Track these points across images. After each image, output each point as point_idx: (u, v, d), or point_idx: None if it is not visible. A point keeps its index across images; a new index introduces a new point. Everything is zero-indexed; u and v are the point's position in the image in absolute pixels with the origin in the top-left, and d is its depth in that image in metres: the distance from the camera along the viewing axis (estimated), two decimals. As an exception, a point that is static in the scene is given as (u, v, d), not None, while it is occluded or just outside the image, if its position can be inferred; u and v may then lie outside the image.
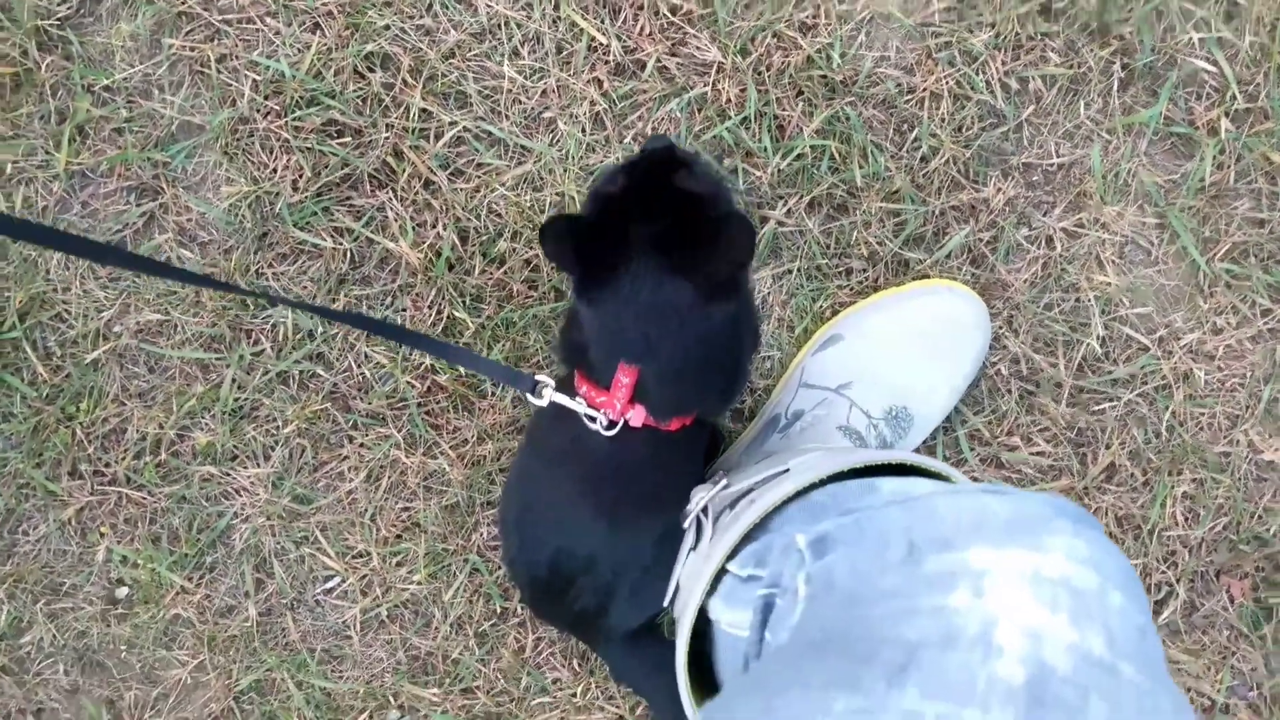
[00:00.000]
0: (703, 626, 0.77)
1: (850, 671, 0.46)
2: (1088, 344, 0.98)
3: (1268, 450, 0.98)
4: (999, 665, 0.42)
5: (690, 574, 0.81)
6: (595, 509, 0.82)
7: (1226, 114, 0.96)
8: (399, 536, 1.02)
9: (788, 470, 0.79)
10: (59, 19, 0.98)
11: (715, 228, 0.71)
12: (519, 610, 1.02)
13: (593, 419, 0.78)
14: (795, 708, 0.47)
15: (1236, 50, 0.96)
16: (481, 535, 1.02)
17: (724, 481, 0.85)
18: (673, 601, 0.85)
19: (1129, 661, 0.44)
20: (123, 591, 1.04)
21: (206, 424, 1.01)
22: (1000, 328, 0.98)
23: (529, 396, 0.81)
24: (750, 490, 0.82)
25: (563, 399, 0.79)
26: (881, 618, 0.48)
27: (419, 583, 1.02)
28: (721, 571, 0.76)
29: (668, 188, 0.74)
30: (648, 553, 0.85)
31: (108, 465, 1.02)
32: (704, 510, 0.84)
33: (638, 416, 0.78)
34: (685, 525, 0.85)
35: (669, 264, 0.71)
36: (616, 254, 0.72)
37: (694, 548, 0.82)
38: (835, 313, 0.99)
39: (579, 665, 1.02)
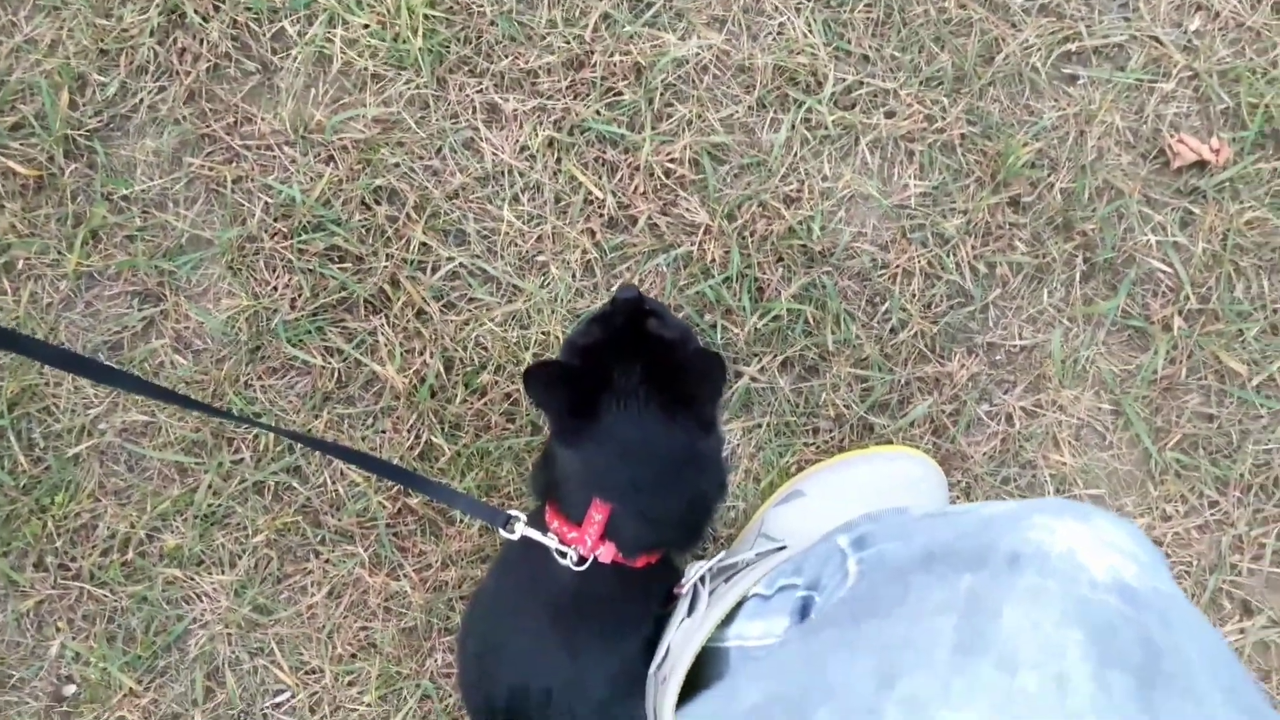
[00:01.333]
0: (688, 686, 0.79)
1: (966, 562, 0.47)
2: (1042, 520, 1.01)
3: (1212, 640, 1.00)
4: (1091, 572, 0.45)
5: (683, 639, 0.82)
6: (558, 642, 0.84)
7: (1180, 313, 1.02)
8: (354, 655, 1.02)
9: (784, 547, 0.82)
10: (88, 130, 1.04)
11: (689, 364, 0.76)
12: (466, 741, 1.02)
13: (563, 554, 0.80)
14: (920, 585, 0.46)
15: (1191, 255, 1.02)
16: (436, 661, 1.02)
17: (721, 555, 0.87)
18: (660, 666, 0.85)
19: (1187, 602, 0.47)
20: (70, 689, 1.03)
21: (177, 527, 1.03)
22: (957, 497, 1.01)
23: (501, 531, 0.83)
24: (748, 564, 0.84)
25: (534, 534, 0.82)
26: (970, 545, 0.49)
27: (369, 704, 1.02)
28: (736, 606, 0.79)
29: (641, 334, 0.78)
30: (602, 688, 0.85)
31: (74, 560, 1.03)
32: (701, 580, 0.85)
33: (607, 553, 0.80)
34: (680, 593, 0.86)
35: (648, 405, 0.75)
36: (596, 398, 0.76)
37: (688, 615, 0.84)
38: (800, 469, 1.02)
39: (520, 803, 1.01)
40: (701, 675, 0.83)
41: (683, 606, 0.86)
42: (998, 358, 1.03)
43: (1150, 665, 0.40)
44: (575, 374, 0.78)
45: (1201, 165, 1.03)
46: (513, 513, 0.84)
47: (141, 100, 1.04)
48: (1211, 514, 1.02)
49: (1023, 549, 0.47)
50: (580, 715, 0.85)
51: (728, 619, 0.81)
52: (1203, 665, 0.41)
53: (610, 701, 0.85)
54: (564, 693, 0.84)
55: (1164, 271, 1.02)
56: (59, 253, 1.03)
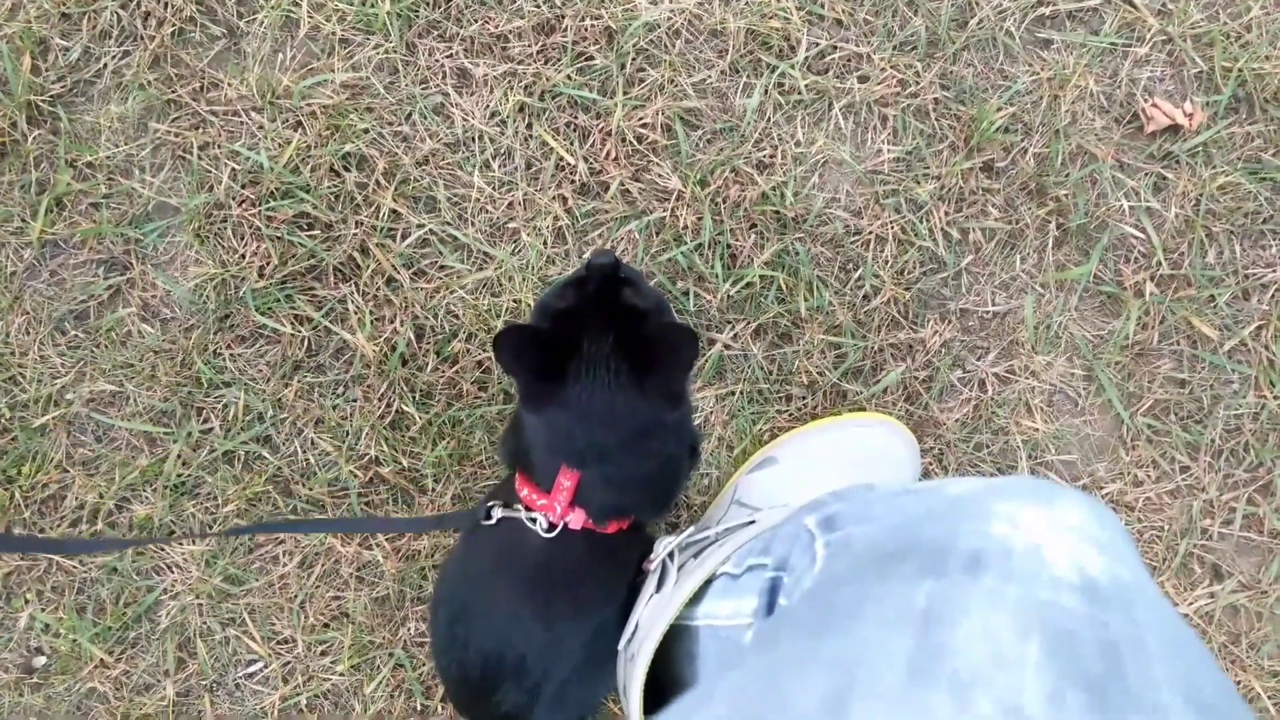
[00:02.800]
0: (659, 662, 0.78)
1: (924, 566, 0.46)
2: (1014, 486, 1.01)
3: (1182, 604, 1.01)
4: (1054, 569, 0.44)
5: (651, 616, 0.82)
6: (532, 611, 0.83)
7: (1152, 278, 1.02)
8: (326, 625, 1.02)
9: (753, 521, 0.82)
10: (51, 96, 1.02)
11: (660, 336, 0.75)
12: (440, 709, 1.02)
13: (533, 520, 0.80)
14: (877, 596, 0.46)
15: (1163, 220, 1.02)
16: (409, 630, 1.02)
17: (689, 530, 0.87)
18: (629, 642, 0.85)
19: (1150, 587, 0.47)
20: (40, 660, 1.03)
21: (146, 497, 1.02)
22: (930, 464, 1.01)
23: (482, 522, 0.83)
24: (716, 539, 0.84)
25: (510, 513, 0.82)
26: (931, 539, 0.49)
27: (342, 673, 1.01)
28: (705, 584, 0.78)
29: (615, 303, 0.78)
30: (577, 653, 0.85)
31: (42, 530, 1.02)
32: (670, 556, 0.85)
33: (577, 519, 0.80)
34: (650, 569, 0.86)
35: (617, 374, 0.75)
36: (566, 364, 0.75)
37: (657, 591, 0.83)
38: (773, 436, 1.02)
39: (494, 771, 1.01)
40: (672, 652, 0.82)
41: (651, 582, 0.86)
42: (970, 324, 1.03)
43: (1110, 676, 0.39)
44: (545, 339, 0.77)
45: (1175, 130, 1.02)
46: (491, 503, 0.84)
47: (105, 65, 1.02)
48: (1183, 479, 1.02)
49: (985, 546, 0.46)
50: (554, 681, 0.85)
51: (696, 596, 0.80)
52: (1166, 667, 0.41)
53: (584, 667, 0.85)
54: (538, 659, 0.84)
55: (1136, 237, 1.02)
56: (23, 220, 1.02)
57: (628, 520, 0.84)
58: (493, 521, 0.83)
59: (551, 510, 0.80)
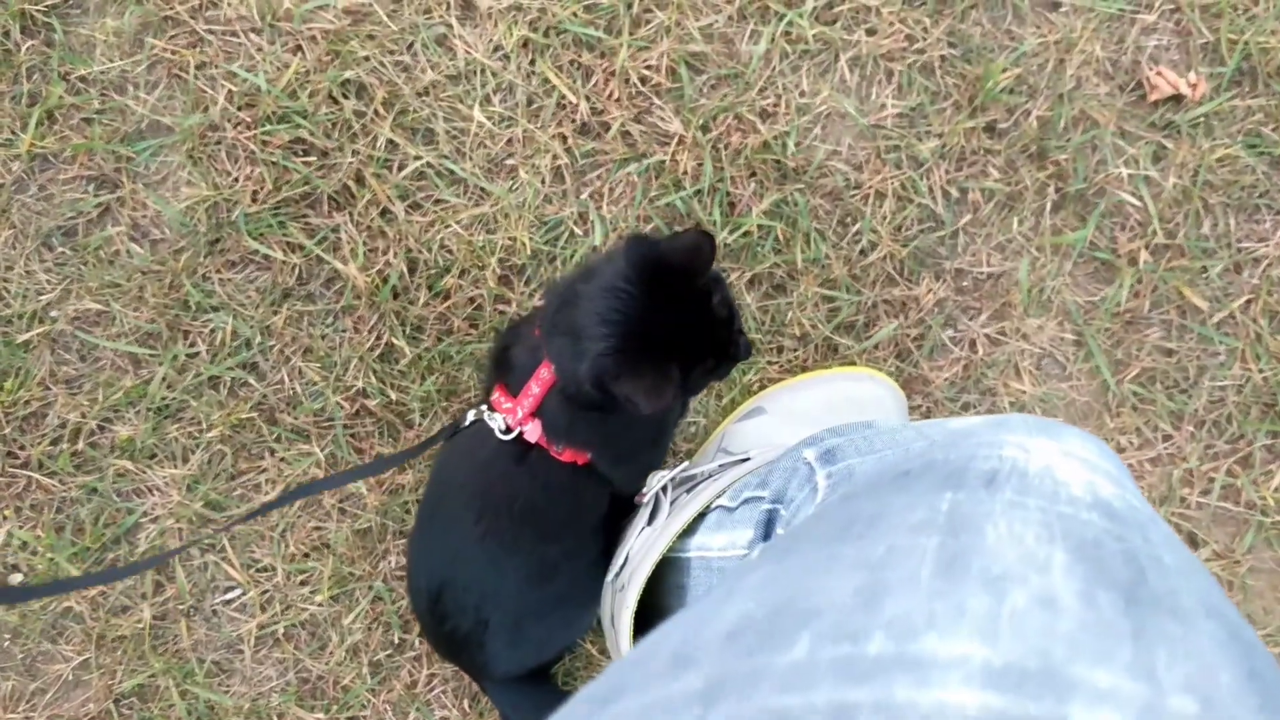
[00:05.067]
0: (645, 594, 0.79)
1: (942, 481, 0.45)
2: (998, 447, 1.02)
3: (1157, 570, 1.02)
4: (1070, 489, 0.44)
5: (643, 546, 0.82)
6: (467, 530, 0.83)
7: (1147, 246, 1.02)
8: (306, 555, 1.02)
9: (749, 458, 0.82)
10: (46, 6, 1.00)
11: (733, 350, 0.78)
12: (417, 644, 1.02)
13: (493, 421, 0.80)
14: (898, 506, 0.44)
15: (1161, 189, 1.02)
16: (389, 563, 1.02)
17: (684, 464, 0.87)
18: (618, 574, 0.85)
19: (1160, 520, 0.47)
20: (16, 578, 1.02)
21: (129, 419, 1.01)
22: (917, 421, 1.02)
23: (462, 426, 0.83)
24: (711, 474, 0.84)
25: (481, 416, 0.82)
26: (943, 461, 0.48)
27: (320, 604, 1.01)
28: (698, 518, 0.78)
29: (705, 311, 0.76)
30: (524, 593, 0.84)
31: (22, 448, 1.01)
32: (663, 489, 0.85)
33: (534, 431, 0.80)
34: (641, 502, 0.86)
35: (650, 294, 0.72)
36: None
37: (649, 524, 0.83)
38: (763, 387, 1.02)
39: (469, 706, 1.02)
40: (661, 585, 0.83)
41: (643, 515, 0.86)
42: (965, 284, 1.03)
43: (1137, 582, 0.39)
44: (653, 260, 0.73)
45: (1178, 99, 1.02)
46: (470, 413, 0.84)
47: (102, -23, 1.00)
48: (1165, 447, 1.03)
49: (999, 467, 0.46)
50: (502, 612, 0.84)
51: (689, 529, 0.80)
52: (1186, 582, 0.41)
53: (539, 604, 0.85)
54: (474, 582, 0.83)
55: (1134, 205, 1.03)
56: (12, 132, 1.00)
57: (583, 457, 0.82)
58: (466, 424, 0.82)
59: (513, 414, 0.79)
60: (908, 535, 0.41)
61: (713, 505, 0.79)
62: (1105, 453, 0.50)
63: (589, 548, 0.87)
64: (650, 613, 0.82)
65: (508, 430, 0.80)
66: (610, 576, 0.86)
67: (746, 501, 0.75)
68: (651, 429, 0.87)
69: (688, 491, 0.85)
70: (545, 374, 0.78)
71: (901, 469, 0.50)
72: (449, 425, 0.85)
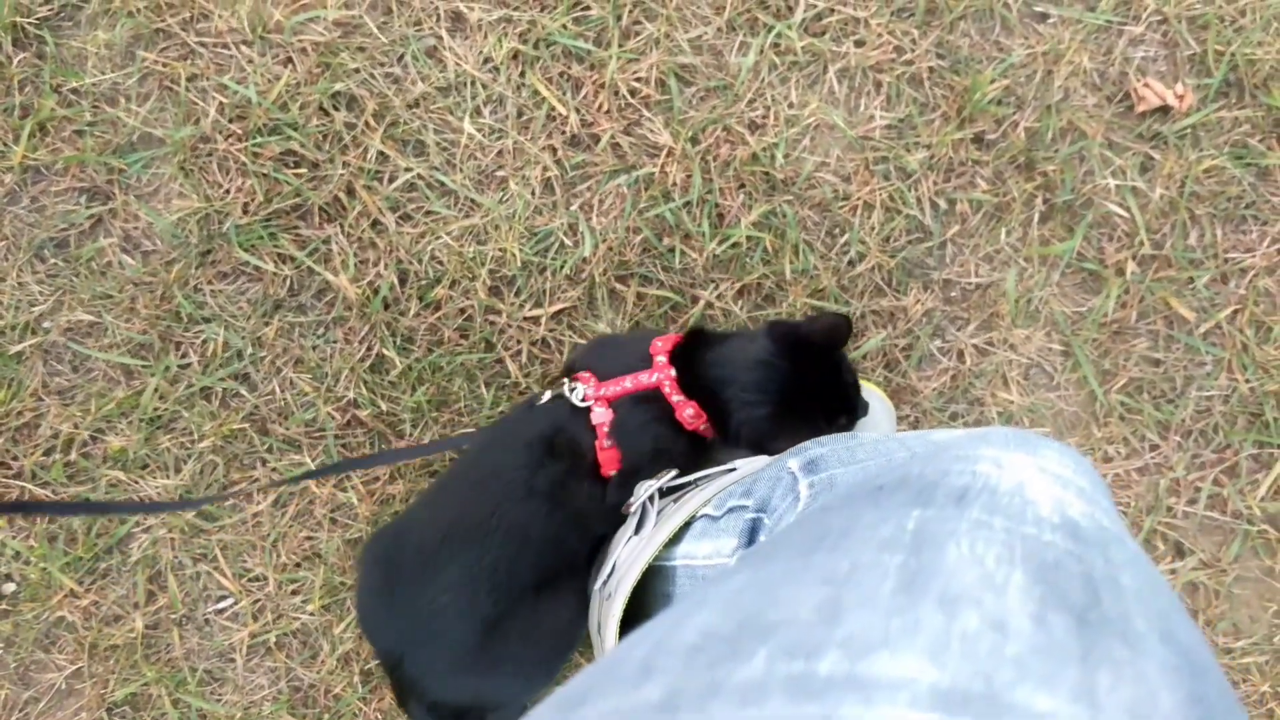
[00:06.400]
0: (632, 603, 0.79)
1: (913, 497, 0.47)
2: (986, 456, 1.02)
3: (1144, 579, 1.03)
4: (1038, 508, 0.45)
5: (629, 555, 0.82)
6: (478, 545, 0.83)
7: (1134, 257, 1.03)
8: (298, 565, 1.02)
9: (735, 469, 0.83)
10: (38, 19, 1.01)
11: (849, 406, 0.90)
12: (408, 652, 1.02)
13: (573, 390, 0.85)
14: (868, 521, 0.46)
15: (1148, 200, 1.03)
16: (381, 573, 1.02)
17: (671, 473, 0.88)
18: (605, 582, 0.85)
19: (1128, 538, 0.48)
20: (9, 587, 1.03)
21: (122, 429, 1.02)
22: (905, 431, 1.02)
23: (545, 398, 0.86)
24: (697, 484, 0.85)
25: (559, 391, 0.86)
26: (918, 476, 0.49)
27: (312, 613, 1.02)
28: (684, 526, 0.80)
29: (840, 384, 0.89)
30: (469, 632, 0.83)
31: (15, 459, 1.02)
32: (650, 499, 0.86)
33: (601, 416, 0.84)
34: (629, 511, 0.87)
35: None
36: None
37: (636, 533, 0.84)
38: (752, 397, 1.02)
39: (460, 714, 1.02)
40: (648, 593, 0.83)
41: (630, 524, 0.86)
42: (953, 294, 1.04)
43: (1090, 605, 0.39)
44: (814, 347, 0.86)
45: (1165, 111, 1.03)
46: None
47: (93, -10, 1.01)
48: (1151, 457, 1.03)
49: (971, 483, 0.47)
50: (446, 649, 0.83)
51: (675, 538, 0.81)
52: (1141, 605, 0.41)
53: (481, 653, 0.83)
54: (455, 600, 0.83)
55: (1121, 216, 1.03)
56: (4, 145, 1.01)
57: (615, 464, 0.84)
58: (544, 400, 0.86)
59: (596, 389, 0.84)
60: (874, 551, 0.42)
61: (698, 514, 0.80)
62: (1082, 468, 0.51)
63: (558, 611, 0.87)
64: (637, 621, 0.83)
65: (584, 399, 0.85)
66: (597, 585, 0.87)
67: (731, 510, 0.75)
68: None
69: (674, 501, 0.85)
70: (645, 379, 0.84)
71: (877, 483, 0.51)
72: (524, 400, 0.87)
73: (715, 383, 0.85)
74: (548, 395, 0.86)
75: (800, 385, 0.85)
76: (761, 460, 0.82)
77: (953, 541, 0.42)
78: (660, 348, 0.87)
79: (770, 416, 0.84)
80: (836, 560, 0.43)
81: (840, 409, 0.88)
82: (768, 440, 0.85)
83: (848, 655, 0.35)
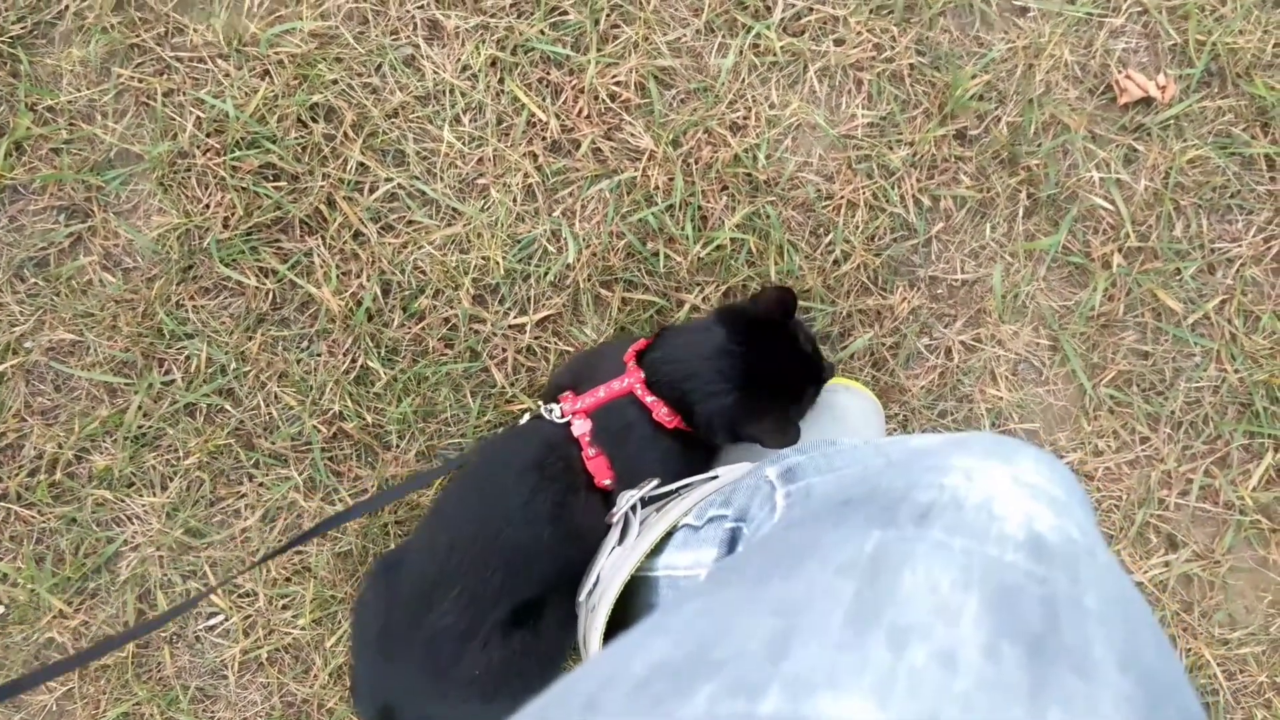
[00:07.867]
0: (618, 613, 0.79)
1: (875, 515, 0.46)
2: (976, 454, 1.02)
3: (1137, 573, 1.03)
4: (1004, 524, 0.45)
5: (612, 567, 0.82)
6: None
7: (1120, 250, 1.02)
8: (288, 579, 1.02)
9: (716, 477, 0.83)
10: (11, 37, 1.00)
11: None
12: (401, 665, 1.02)
13: (550, 411, 0.86)
14: (827, 543, 0.46)
15: (1133, 192, 1.03)
16: (371, 585, 1.02)
17: (653, 483, 0.87)
18: (590, 593, 0.85)
19: (1100, 550, 0.47)
20: (-2, 610, 1.02)
21: (107, 448, 1.01)
22: (894, 430, 1.02)
23: (543, 413, 0.87)
24: (678, 493, 0.84)
25: (541, 410, 0.86)
26: (886, 489, 0.49)
27: (303, 628, 1.01)
28: (667, 536, 0.80)
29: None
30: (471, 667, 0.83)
31: (0, 480, 1.01)
32: (632, 508, 0.85)
33: (581, 427, 0.85)
34: (612, 523, 0.86)
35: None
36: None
37: (619, 544, 0.84)
38: (740, 400, 1.02)
39: (454, 726, 1.02)
40: (632, 604, 0.83)
41: (613, 535, 0.86)
42: (939, 291, 1.03)
43: (1047, 632, 0.39)
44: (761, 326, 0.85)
45: (1147, 102, 1.02)
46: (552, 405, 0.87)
47: (67, 6, 1.00)
48: (1142, 450, 1.03)
49: (936, 498, 0.47)
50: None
51: (657, 549, 0.81)
52: (1104, 628, 0.41)
53: (452, 695, 0.84)
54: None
55: (1106, 209, 1.03)
56: (-19, 164, 1.00)
57: (607, 474, 0.84)
58: (525, 419, 0.87)
59: (572, 405, 0.85)
60: (830, 575, 0.42)
61: (680, 524, 0.79)
62: (1058, 477, 0.50)
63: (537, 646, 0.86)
64: (622, 632, 0.82)
65: (561, 416, 0.85)
66: (582, 596, 0.86)
67: (711, 520, 0.75)
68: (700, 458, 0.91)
69: (657, 510, 0.85)
70: (616, 386, 0.85)
71: (844, 496, 0.51)
72: (512, 422, 0.86)
73: (677, 378, 0.85)
74: (526, 418, 0.87)
75: (759, 364, 0.85)
76: (743, 468, 0.82)
77: (908, 567, 0.41)
78: (633, 353, 0.88)
79: (737, 402, 0.84)
80: (791, 586, 0.43)
81: (805, 378, 0.88)
82: (741, 426, 0.84)
83: (791, 695, 0.35)
